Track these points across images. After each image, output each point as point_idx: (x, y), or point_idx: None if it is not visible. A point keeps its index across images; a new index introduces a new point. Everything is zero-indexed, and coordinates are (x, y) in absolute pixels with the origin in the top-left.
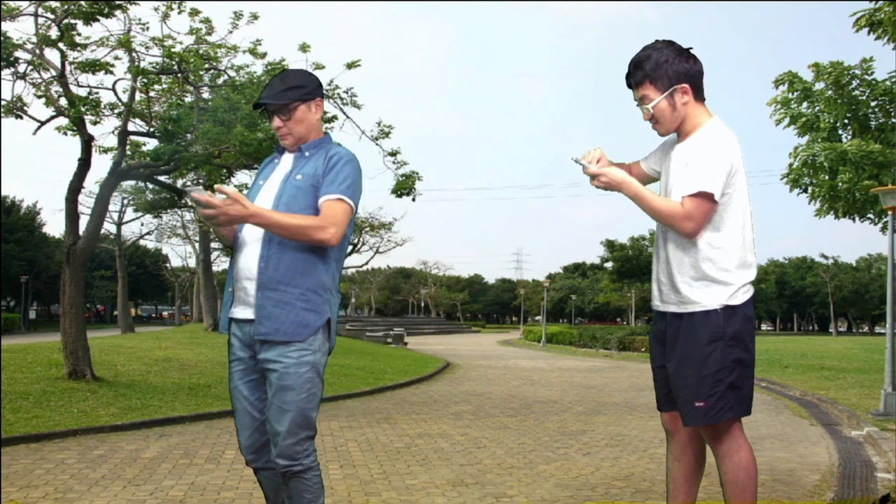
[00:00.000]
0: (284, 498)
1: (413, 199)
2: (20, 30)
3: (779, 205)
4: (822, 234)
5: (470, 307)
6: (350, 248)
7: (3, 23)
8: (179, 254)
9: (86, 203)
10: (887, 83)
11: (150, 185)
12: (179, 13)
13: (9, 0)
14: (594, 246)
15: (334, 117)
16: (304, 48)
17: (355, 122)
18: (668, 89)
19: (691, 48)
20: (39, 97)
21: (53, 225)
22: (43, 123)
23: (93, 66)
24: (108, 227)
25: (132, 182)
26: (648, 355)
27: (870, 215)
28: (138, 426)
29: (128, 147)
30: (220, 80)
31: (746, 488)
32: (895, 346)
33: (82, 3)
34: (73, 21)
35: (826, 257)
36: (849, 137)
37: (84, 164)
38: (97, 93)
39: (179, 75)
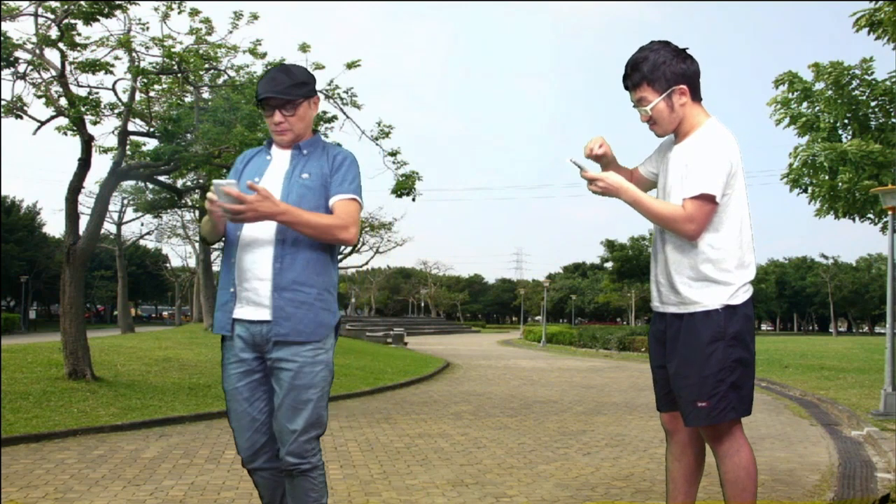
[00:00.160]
0: (286, 498)
1: (413, 199)
2: (20, 30)
3: (779, 205)
4: (822, 234)
5: (470, 307)
6: (350, 248)
7: (3, 23)
8: (179, 254)
9: (86, 203)
10: (887, 83)
11: (150, 185)
12: (179, 13)
13: (9, 0)
14: (594, 246)
15: (334, 117)
16: (304, 48)
17: (355, 122)
18: (666, 91)
19: (687, 48)
20: (39, 97)
21: (53, 225)
22: (43, 123)
23: (93, 66)
24: (108, 227)
25: (132, 182)
26: (648, 355)
27: (870, 215)
28: (138, 426)
29: (128, 147)
30: (220, 80)
31: (746, 488)
32: (895, 346)
33: (82, 3)
34: (73, 21)
35: (826, 257)
36: (849, 137)
37: (84, 164)
38: (97, 93)
39: (179, 75)
